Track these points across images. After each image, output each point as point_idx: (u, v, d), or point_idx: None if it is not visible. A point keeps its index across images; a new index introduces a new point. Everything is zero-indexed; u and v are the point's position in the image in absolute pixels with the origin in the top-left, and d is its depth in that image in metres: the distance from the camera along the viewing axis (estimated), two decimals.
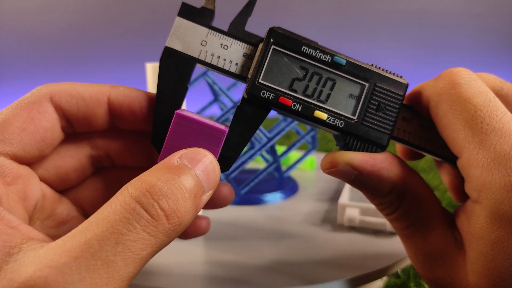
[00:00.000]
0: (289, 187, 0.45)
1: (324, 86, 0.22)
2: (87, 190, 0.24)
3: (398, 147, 0.27)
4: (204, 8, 0.22)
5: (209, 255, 0.30)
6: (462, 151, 0.20)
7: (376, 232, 0.34)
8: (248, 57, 0.22)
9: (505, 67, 1.82)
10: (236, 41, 0.22)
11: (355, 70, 0.22)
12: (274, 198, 0.42)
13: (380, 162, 0.21)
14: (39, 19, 1.81)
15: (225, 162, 0.21)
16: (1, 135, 0.19)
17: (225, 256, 0.30)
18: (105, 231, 0.15)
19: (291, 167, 0.48)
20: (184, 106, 0.22)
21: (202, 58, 0.22)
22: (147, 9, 1.84)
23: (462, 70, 0.21)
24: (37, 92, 0.20)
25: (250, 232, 0.34)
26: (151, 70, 0.51)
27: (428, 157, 0.24)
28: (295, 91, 0.22)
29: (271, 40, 0.21)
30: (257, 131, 0.38)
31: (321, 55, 0.22)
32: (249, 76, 0.21)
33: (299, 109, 0.21)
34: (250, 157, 0.40)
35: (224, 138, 0.20)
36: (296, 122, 0.45)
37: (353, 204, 0.35)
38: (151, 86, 0.51)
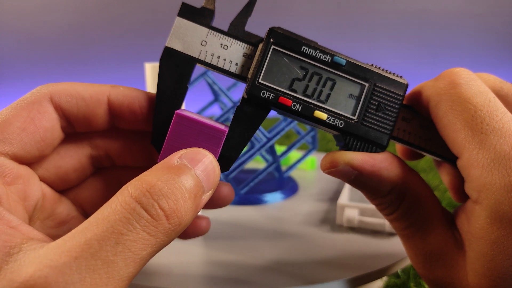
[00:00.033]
0: (289, 187, 0.45)
1: (324, 86, 0.22)
2: (87, 190, 0.24)
3: (398, 147, 0.27)
4: (204, 8, 0.22)
5: (209, 255, 0.30)
6: (462, 151, 0.20)
7: (375, 232, 0.34)
8: (248, 57, 0.22)
9: (505, 67, 1.82)
10: (236, 41, 0.22)
11: (355, 70, 0.22)
12: (274, 198, 0.42)
13: (380, 162, 0.21)
14: (39, 19, 1.81)
15: (225, 162, 0.21)
16: (1, 135, 0.19)
17: (225, 256, 0.30)
18: (105, 231, 0.15)
19: (291, 167, 0.48)
20: (183, 106, 0.22)
21: (202, 58, 0.22)
22: (147, 9, 1.84)
23: (462, 70, 0.21)
24: (37, 92, 0.20)
25: (250, 232, 0.34)
26: (150, 70, 0.51)
27: (428, 157, 0.24)
28: (295, 91, 0.22)
29: (271, 40, 0.21)
30: (257, 131, 0.38)
31: (321, 55, 0.22)
32: (249, 76, 0.21)
33: (299, 109, 0.21)
34: (250, 157, 0.40)
35: (224, 138, 0.20)
36: (296, 122, 0.45)
37: (352, 205, 0.35)
38: (150, 86, 0.51)
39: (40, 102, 0.20)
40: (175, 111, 0.20)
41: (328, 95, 0.22)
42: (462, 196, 0.25)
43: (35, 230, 0.17)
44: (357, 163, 0.21)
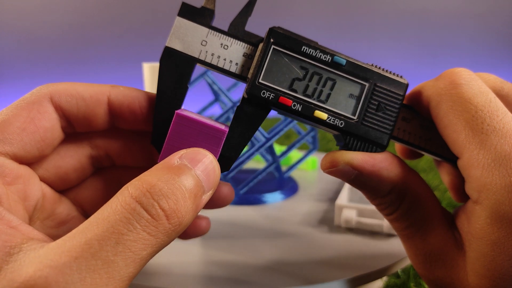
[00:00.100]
0: (289, 187, 0.45)
1: (324, 86, 0.22)
2: (87, 190, 0.24)
3: (397, 147, 0.27)
4: (204, 8, 0.22)
5: (209, 255, 0.30)
6: (463, 152, 0.20)
7: (373, 233, 0.34)
8: (248, 57, 0.22)
9: (505, 67, 1.82)
10: (236, 41, 0.22)
11: (355, 70, 0.22)
12: (273, 198, 0.42)
13: (380, 162, 0.21)
14: (39, 19, 1.81)
15: (225, 162, 0.21)
16: (1, 135, 0.19)
17: (224, 256, 0.30)
18: (105, 231, 0.15)
19: (291, 167, 0.48)
20: (182, 106, 0.22)
21: (202, 58, 0.22)
22: (147, 9, 1.85)
23: (463, 71, 0.21)
24: (37, 92, 0.20)
25: (249, 232, 0.34)
26: (148, 70, 0.51)
27: (428, 157, 0.24)
28: (295, 91, 0.21)
29: (271, 40, 0.21)
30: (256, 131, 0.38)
31: (321, 55, 0.22)
32: (249, 76, 0.21)
33: (299, 109, 0.21)
34: (248, 157, 0.40)
35: (224, 138, 0.20)
36: (295, 122, 0.45)
37: (350, 205, 0.35)
38: (148, 86, 0.51)
39: (40, 102, 0.20)
40: (175, 111, 0.20)
41: (328, 95, 0.22)
42: (462, 196, 0.25)
43: (35, 230, 0.17)
44: (357, 163, 0.21)
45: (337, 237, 0.33)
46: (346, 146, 0.22)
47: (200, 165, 0.18)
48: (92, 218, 0.16)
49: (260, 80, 0.21)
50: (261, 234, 0.34)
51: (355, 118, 0.22)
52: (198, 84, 0.47)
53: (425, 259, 0.22)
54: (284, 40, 0.21)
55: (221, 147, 0.21)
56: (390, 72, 0.22)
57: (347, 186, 0.39)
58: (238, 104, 0.43)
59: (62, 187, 0.23)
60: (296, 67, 0.21)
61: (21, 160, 0.20)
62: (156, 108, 0.21)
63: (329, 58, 0.22)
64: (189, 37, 0.21)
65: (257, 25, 0.23)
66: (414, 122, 0.23)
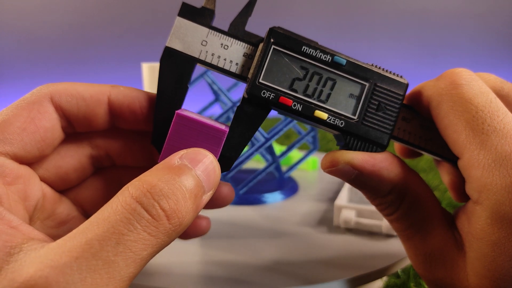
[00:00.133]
0: (289, 187, 0.45)
1: (324, 86, 0.22)
2: (87, 190, 0.24)
3: (396, 146, 0.27)
4: (204, 8, 0.22)
5: (209, 255, 0.30)
6: (463, 152, 0.20)
7: (372, 234, 0.34)
8: (249, 57, 0.22)
9: (505, 67, 1.82)
10: (237, 41, 0.22)
11: (355, 70, 0.22)
12: (273, 198, 0.42)
13: (380, 162, 0.21)
14: (39, 19, 1.81)
15: (225, 162, 0.21)
16: (2, 135, 0.19)
17: (224, 256, 0.30)
18: (106, 231, 0.15)
19: (292, 167, 0.48)
20: (183, 106, 0.22)
21: (202, 58, 0.22)
22: (147, 9, 1.85)
23: (463, 71, 0.21)
24: (37, 92, 0.20)
25: (249, 232, 0.34)
26: (148, 70, 0.51)
27: (428, 157, 0.24)
28: (296, 91, 0.21)
29: (272, 40, 0.21)
30: None
31: (321, 55, 0.22)
32: (250, 76, 0.21)
33: (300, 109, 0.21)
34: (247, 157, 0.40)
35: (225, 138, 0.20)
36: (295, 122, 0.45)
37: (349, 206, 0.35)
38: (148, 86, 0.51)
39: (41, 102, 0.20)
40: (176, 111, 0.20)
41: (329, 95, 0.22)
42: (462, 196, 0.25)
43: (36, 230, 0.17)
44: (357, 162, 0.21)
45: (336, 237, 0.33)
46: (346, 146, 0.22)
47: (201, 165, 0.18)
48: (92, 218, 0.16)
49: (260, 80, 0.21)
50: (261, 234, 0.34)
51: (355, 118, 0.22)
52: (199, 84, 0.47)
53: (425, 259, 0.22)
54: (284, 40, 0.21)
55: (222, 147, 0.21)
56: (390, 72, 0.22)
57: (346, 186, 0.39)
58: (238, 104, 0.43)
59: (62, 187, 0.23)
60: (296, 67, 0.21)
61: (21, 160, 0.20)
62: (156, 108, 0.21)
63: (329, 58, 0.22)
64: (189, 37, 0.21)
65: (257, 25, 0.23)
66: (414, 122, 0.23)
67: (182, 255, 0.30)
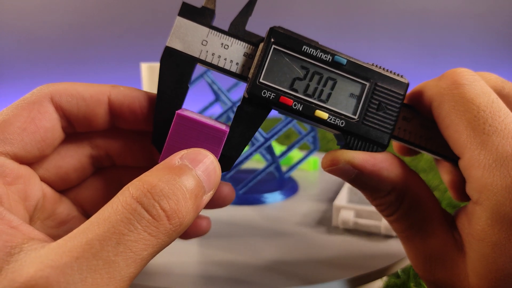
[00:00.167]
0: (288, 187, 0.45)
1: (325, 85, 0.22)
2: (87, 190, 0.24)
3: (394, 144, 0.27)
4: (204, 7, 0.22)
5: (209, 255, 0.30)
6: (464, 152, 0.20)
7: (371, 234, 0.34)
8: (249, 57, 0.22)
9: (505, 67, 1.82)
10: (237, 40, 0.22)
11: (355, 70, 0.22)
12: (273, 198, 0.42)
13: (381, 162, 0.21)
14: (39, 19, 1.81)
15: (226, 162, 0.21)
16: (2, 135, 0.19)
17: (224, 256, 0.30)
18: (106, 231, 0.15)
19: (292, 167, 0.48)
20: (183, 106, 0.22)
21: (202, 57, 0.22)
22: (147, 9, 1.85)
23: (465, 71, 0.21)
24: (37, 92, 0.20)
25: (249, 232, 0.34)
26: (146, 70, 0.51)
27: (428, 157, 0.24)
28: (296, 91, 0.21)
29: (272, 40, 0.21)
30: None
31: (322, 55, 0.22)
32: (250, 75, 0.21)
33: (300, 109, 0.21)
34: (246, 157, 0.40)
35: (225, 138, 0.20)
36: (294, 122, 0.45)
37: (348, 206, 0.34)
38: (146, 86, 0.51)
39: (41, 102, 0.20)
40: (176, 111, 0.20)
41: (329, 95, 0.22)
42: (462, 195, 0.25)
43: (36, 230, 0.17)
44: (358, 162, 0.21)
45: (334, 238, 0.33)
46: (347, 146, 0.22)
47: (201, 165, 0.18)
48: (93, 218, 0.16)
49: (260, 80, 0.21)
50: (260, 234, 0.34)
51: (355, 117, 0.22)
52: (199, 84, 0.47)
53: (425, 260, 0.22)
54: (284, 39, 0.21)
55: (222, 147, 0.21)
56: (391, 72, 0.22)
57: (346, 186, 0.39)
58: (237, 104, 0.43)
59: (63, 187, 0.23)
60: (296, 66, 0.21)
61: (21, 160, 0.20)
62: (157, 108, 0.21)
63: (329, 58, 0.22)
64: (189, 37, 0.21)
65: (257, 25, 0.23)
66: (414, 122, 0.23)
67: (182, 255, 0.30)
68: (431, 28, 1.91)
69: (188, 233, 0.26)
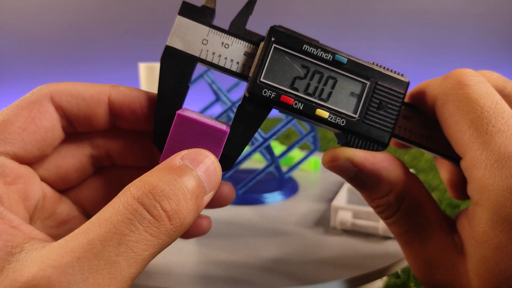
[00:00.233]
0: (289, 187, 0.45)
1: (325, 84, 0.22)
2: (87, 190, 0.24)
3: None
4: (204, 6, 0.22)
5: (208, 255, 0.30)
6: (466, 152, 0.19)
7: (369, 235, 0.33)
8: (249, 56, 0.22)
9: (505, 67, 1.82)
10: (237, 39, 0.22)
11: (356, 69, 0.22)
12: (273, 198, 0.42)
13: (381, 161, 0.21)
14: (39, 19, 1.81)
15: (226, 161, 0.21)
16: (2, 135, 0.19)
17: (224, 256, 0.30)
18: (107, 232, 0.15)
19: (292, 168, 0.48)
20: (184, 105, 0.22)
21: (203, 57, 0.22)
22: (147, 9, 1.85)
23: (470, 72, 0.21)
24: (37, 92, 0.20)
25: (249, 232, 0.34)
26: (145, 70, 0.51)
27: (428, 157, 0.24)
28: (297, 90, 0.21)
29: (273, 39, 0.21)
30: None
31: (322, 54, 0.22)
32: (251, 74, 0.21)
33: (301, 108, 0.21)
34: (245, 158, 0.40)
35: (226, 139, 0.20)
36: (294, 122, 0.45)
37: (346, 207, 0.34)
38: (145, 86, 0.52)
39: (41, 102, 0.20)
40: (176, 111, 0.20)
41: (330, 94, 0.22)
42: (460, 193, 0.25)
43: (37, 230, 0.17)
44: (357, 159, 0.21)
45: (332, 238, 0.33)
46: (347, 145, 0.22)
47: (202, 166, 0.18)
48: (94, 218, 0.16)
49: (261, 79, 0.21)
50: (260, 234, 0.34)
51: (356, 116, 0.22)
52: (200, 84, 0.47)
53: (424, 264, 0.21)
54: (285, 38, 0.21)
55: (223, 148, 0.21)
56: (391, 71, 0.22)
57: (345, 187, 0.39)
58: (237, 103, 0.43)
59: (63, 187, 0.23)
60: (297, 65, 0.21)
61: (21, 160, 0.20)
62: (157, 107, 0.21)
63: (330, 57, 0.22)
64: (189, 36, 0.21)
65: (257, 25, 0.23)
66: (415, 120, 0.23)
67: (182, 255, 0.30)
68: (431, 28, 1.91)
69: (188, 233, 0.26)
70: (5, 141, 0.19)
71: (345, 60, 0.22)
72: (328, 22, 1.87)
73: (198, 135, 0.20)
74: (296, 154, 0.56)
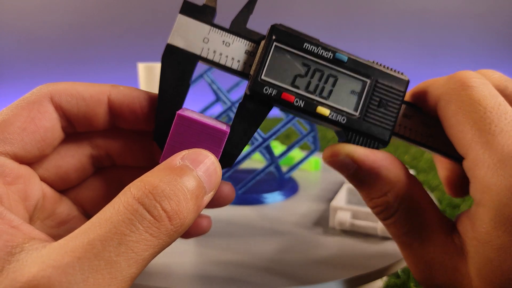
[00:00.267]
0: (288, 187, 0.45)
1: (326, 82, 0.22)
2: (87, 190, 0.24)
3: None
4: (205, 5, 0.22)
5: (208, 255, 0.30)
6: (468, 151, 0.19)
7: (368, 236, 0.33)
8: (250, 54, 0.22)
9: (505, 67, 1.82)
10: (238, 38, 0.22)
11: (356, 67, 0.22)
12: (273, 198, 0.42)
13: (381, 160, 0.21)
14: (39, 19, 1.81)
15: (228, 159, 0.21)
16: (2, 135, 0.19)
17: (224, 256, 0.30)
18: (108, 232, 0.15)
19: (292, 168, 0.48)
20: (184, 104, 0.22)
21: (204, 55, 0.22)
22: (146, 10, 1.85)
23: (474, 74, 0.21)
24: (37, 92, 0.20)
25: (248, 232, 0.34)
26: (143, 70, 0.51)
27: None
28: (298, 88, 0.22)
29: (273, 37, 0.21)
30: None
31: (323, 52, 0.22)
32: (252, 73, 0.21)
33: (302, 105, 0.21)
34: (244, 157, 0.40)
35: (226, 139, 0.20)
36: (294, 122, 0.45)
37: (345, 207, 0.34)
38: (143, 86, 0.52)
39: (41, 101, 0.20)
40: (177, 112, 0.20)
41: (330, 91, 0.22)
42: (456, 190, 0.25)
43: (37, 230, 0.17)
44: (358, 156, 0.21)
45: (331, 239, 0.33)
46: (348, 142, 0.22)
47: (202, 166, 0.18)
48: (94, 218, 0.16)
49: (262, 77, 0.21)
50: (260, 234, 0.34)
51: (357, 114, 0.22)
52: (200, 84, 0.46)
53: (424, 266, 0.21)
54: (286, 37, 0.21)
55: (223, 148, 0.21)
56: (391, 69, 0.22)
57: (344, 187, 0.39)
58: (237, 103, 0.43)
59: (63, 187, 0.23)
60: (298, 64, 0.22)
61: (21, 160, 0.20)
62: (159, 105, 0.21)
63: (330, 55, 0.22)
64: (191, 35, 0.21)
65: (257, 25, 0.23)
66: (415, 119, 0.23)
67: (182, 255, 0.30)
68: (431, 28, 1.91)
69: (189, 232, 0.26)
70: (5, 141, 0.19)
71: (345, 58, 0.22)
72: (328, 22, 1.87)
73: (198, 135, 0.20)
74: (297, 154, 0.56)
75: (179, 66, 0.21)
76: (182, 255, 0.30)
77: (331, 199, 0.43)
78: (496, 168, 0.18)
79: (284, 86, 0.21)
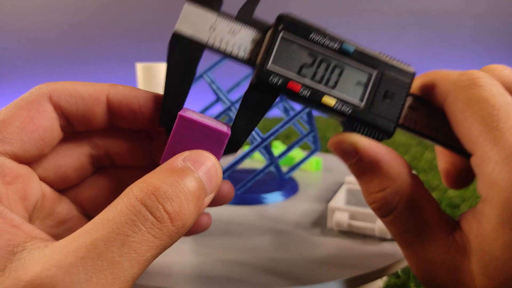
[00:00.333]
0: (288, 188, 0.45)
1: (332, 72, 0.22)
2: (87, 189, 0.24)
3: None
4: None
5: (208, 254, 0.30)
6: (476, 148, 0.19)
7: (365, 237, 0.33)
8: (257, 43, 0.22)
9: None
10: (245, 27, 0.22)
11: (363, 58, 0.22)
12: (273, 198, 0.42)
13: (384, 153, 0.21)
14: (39, 19, 1.81)
15: (233, 145, 0.22)
16: (1, 134, 0.19)
17: (223, 256, 0.30)
18: (111, 233, 0.15)
19: (292, 168, 0.48)
20: (184, 104, 0.22)
21: (210, 43, 0.21)
22: (146, 10, 1.85)
23: (483, 74, 0.21)
24: (36, 91, 0.20)
25: (248, 232, 0.34)
26: (141, 70, 0.52)
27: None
28: (304, 77, 0.22)
29: (280, 27, 0.21)
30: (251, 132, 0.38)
31: (329, 42, 0.22)
32: (258, 61, 0.21)
33: (307, 95, 0.21)
34: (243, 157, 0.40)
35: (227, 141, 0.20)
36: (294, 121, 0.45)
37: (343, 208, 0.34)
38: (141, 86, 0.52)
39: (39, 101, 0.20)
40: (178, 113, 0.20)
41: (336, 82, 0.22)
42: (453, 181, 0.26)
43: (37, 229, 0.17)
44: (361, 146, 0.21)
45: (329, 239, 0.33)
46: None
47: (203, 167, 0.19)
48: (96, 219, 0.16)
49: (268, 66, 0.21)
50: (259, 234, 0.34)
51: (362, 105, 0.22)
52: (200, 84, 0.46)
53: (425, 265, 0.21)
54: (293, 26, 0.21)
55: (224, 149, 0.21)
56: (398, 61, 0.22)
57: (344, 188, 0.39)
58: (237, 104, 0.43)
59: (62, 186, 0.23)
60: (304, 53, 0.21)
61: (20, 159, 0.20)
62: (165, 91, 0.21)
63: (337, 46, 0.22)
64: (197, 23, 0.21)
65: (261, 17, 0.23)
66: (420, 111, 0.23)
67: (182, 255, 0.30)
68: (431, 28, 1.91)
69: (189, 230, 0.25)
70: (4, 141, 0.19)
71: (352, 49, 0.22)
72: (328, 22, 1.87)
73: (200, 136, 0.20)
74: (297, 154, 0.55)
75: (185, 54, 0.21)
76: (182, 254, 0.30)
77: (331, 199, 0.43)
78: (504, 165, 0.18)
79: (290, 76, 0.21)
